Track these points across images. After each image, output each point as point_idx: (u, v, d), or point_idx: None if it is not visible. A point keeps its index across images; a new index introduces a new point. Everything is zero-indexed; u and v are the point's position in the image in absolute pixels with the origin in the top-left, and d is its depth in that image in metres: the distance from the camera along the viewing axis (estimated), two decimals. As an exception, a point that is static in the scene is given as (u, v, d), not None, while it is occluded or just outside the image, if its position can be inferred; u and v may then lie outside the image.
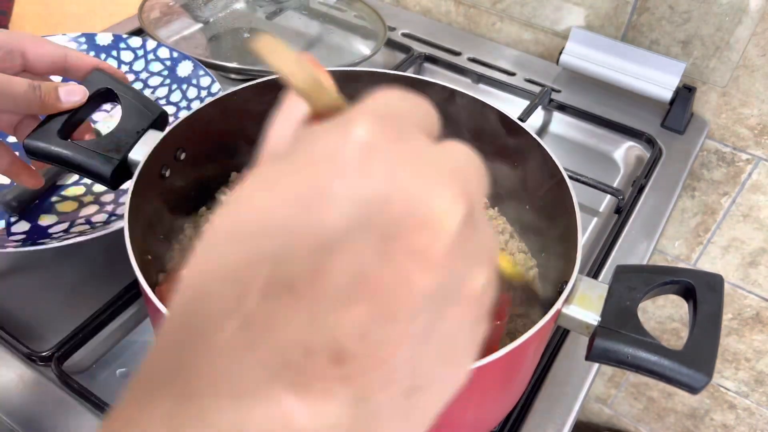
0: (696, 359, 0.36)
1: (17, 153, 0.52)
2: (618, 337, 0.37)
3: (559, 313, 0.39)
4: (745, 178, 0.83)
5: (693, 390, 0.36)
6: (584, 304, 0.39)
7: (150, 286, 0.37)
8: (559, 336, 0.54)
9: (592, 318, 0.39)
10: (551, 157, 0.48)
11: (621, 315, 0.38)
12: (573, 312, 0.39)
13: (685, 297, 0.41)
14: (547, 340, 0.48)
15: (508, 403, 0.47)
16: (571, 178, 0.67)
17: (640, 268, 0.41)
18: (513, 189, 0.55)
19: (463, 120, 0.55)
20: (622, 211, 0.67)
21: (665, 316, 1.02)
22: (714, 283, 0.40)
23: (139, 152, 0.47)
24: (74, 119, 0.48)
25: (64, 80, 0.54)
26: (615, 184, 0.74)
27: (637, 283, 0.40)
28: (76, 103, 0.48)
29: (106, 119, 0.69)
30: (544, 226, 0.51)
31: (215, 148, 0.54)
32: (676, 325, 1.02)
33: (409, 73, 0.56)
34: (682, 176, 0.73)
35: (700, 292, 0.40)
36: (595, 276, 0.61)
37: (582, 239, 0.42)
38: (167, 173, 0.49)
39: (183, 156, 0.50)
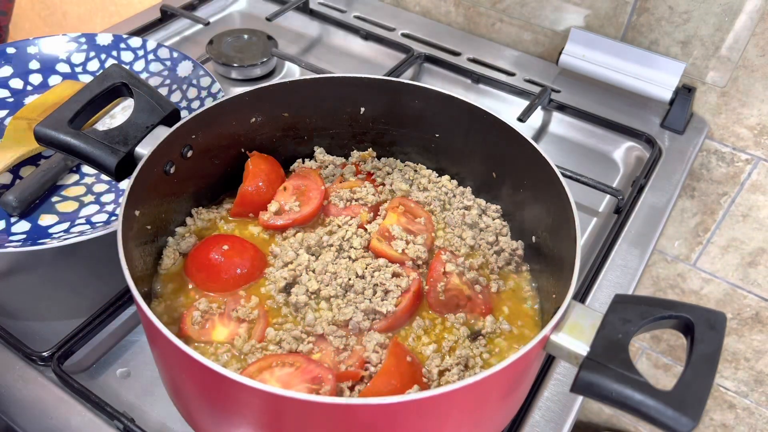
0: (684, 402, 0.34)
1: None
2: (605, 371, 0.36)
3: (547, 339, 0.38)
4: (744, 178, 0.83)
5: None
6: (575, 333, 0.38)
7: (143, 289, 0.37)
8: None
9: (582, 348, 0.37)
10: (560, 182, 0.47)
11: (611, 348, 0.37)
12: (562, 340, 0.38)
13: (684, 333, 0.39)
14: (541, 359, 0.47)
15: (507, 414, 0.46)
16: (570, 178, 0.68)
17: (638, 300, 0.39)
18: (518, 202, 0.55)
19: (462, 126, 0.55)
20: (622, 211, 0.67)
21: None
22: (715, 321, 0.38)
23: (147, 147, 0.47)
24: (86, 110, 0.48)
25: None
26: (614, 184, 0.74)
27: (633, 315, 0.38)
28: None
29: (105, 120, 0.69)
30: (546, 248, 0.51)
31: (223, 148, 0.54)
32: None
33: (405, 79, 0.56)
34: (681, 176, 0.73)
35: (699, 330, 0.37)
36: (594, 276, 0.61)
37: (578, 263, 0.41)
38: (171, 170, 0.49)
39: (190, 153, 0.51)
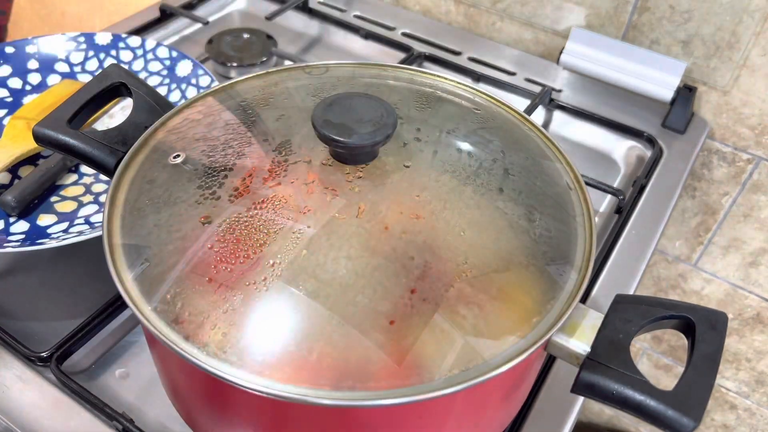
0: (685, 402, 0.34)
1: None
2: (606, 371, 0.36)
3: (548, 340, 0.37)
4: (746, 178, 0.83)
5: None
6: (575, 333, 0.38)
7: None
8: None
9: (582, 348, 0.37)
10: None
11: (612, 348, 0.37)
12: (563, 340, 0.38)
13: (685, 333, 0.39)
14: (542, 360, 0.47)
15: (507, 415, 0.46)
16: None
17: (639, 300, 0.39)
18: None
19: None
20: (623, 211, 0.67)
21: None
22: (716, 321, 0.38)
23: None
24: (85, 110, 0.48)
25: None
26: (615, 184, 0.73)
27: (634, 315, 0.38)
28: None
29: (104, 119, 0.69)
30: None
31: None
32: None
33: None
34: (682, 176, 0.73)
35: (700, 330, 0.37)
36: (595, 276, 0.61)
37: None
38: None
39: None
